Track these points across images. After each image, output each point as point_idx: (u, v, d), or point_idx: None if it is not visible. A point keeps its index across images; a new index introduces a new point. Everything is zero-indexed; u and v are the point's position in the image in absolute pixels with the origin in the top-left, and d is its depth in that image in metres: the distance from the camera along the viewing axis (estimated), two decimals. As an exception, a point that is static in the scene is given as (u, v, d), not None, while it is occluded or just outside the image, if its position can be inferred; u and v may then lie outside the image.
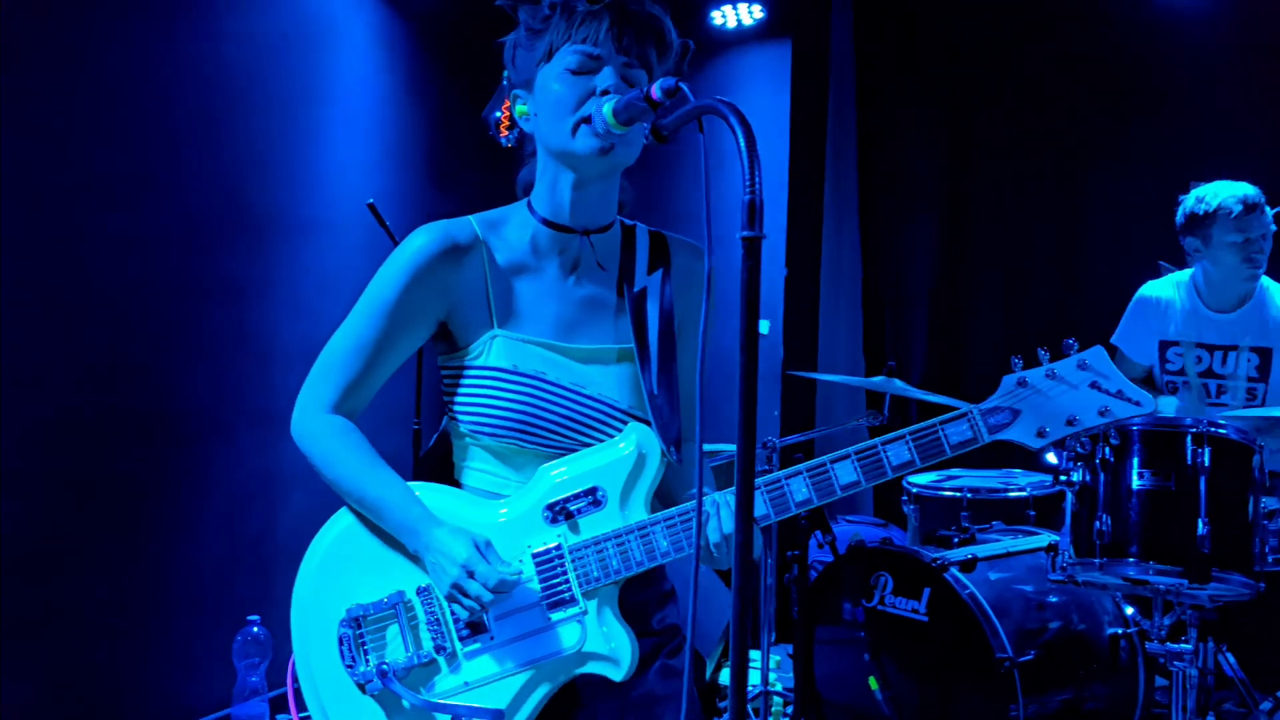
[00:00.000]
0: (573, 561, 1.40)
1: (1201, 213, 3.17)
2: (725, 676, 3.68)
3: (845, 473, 1.36)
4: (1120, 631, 2.73)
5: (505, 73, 1.59)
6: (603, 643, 1.39)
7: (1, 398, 2.36)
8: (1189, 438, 2.45)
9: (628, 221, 1.58)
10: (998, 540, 2.95)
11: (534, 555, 1.41)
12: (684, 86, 1.30)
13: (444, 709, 1.41)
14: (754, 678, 3.41)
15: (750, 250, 1.08)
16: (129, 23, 2.70)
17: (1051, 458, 2.88)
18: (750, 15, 4.29)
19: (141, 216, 2.71)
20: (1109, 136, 4.25)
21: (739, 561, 1.06)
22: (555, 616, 1.39)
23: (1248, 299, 3.22)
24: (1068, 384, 1.37)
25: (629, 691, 1.49)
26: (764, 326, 4.32)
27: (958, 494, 3.33)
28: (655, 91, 1.25)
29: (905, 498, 3.54)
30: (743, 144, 1.11)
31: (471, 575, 1.36)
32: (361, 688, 1.43)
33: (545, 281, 1.50)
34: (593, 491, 1.41)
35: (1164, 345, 3.33)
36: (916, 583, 2.70)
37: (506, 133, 4.69)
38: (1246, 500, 2.47)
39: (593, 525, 1.40)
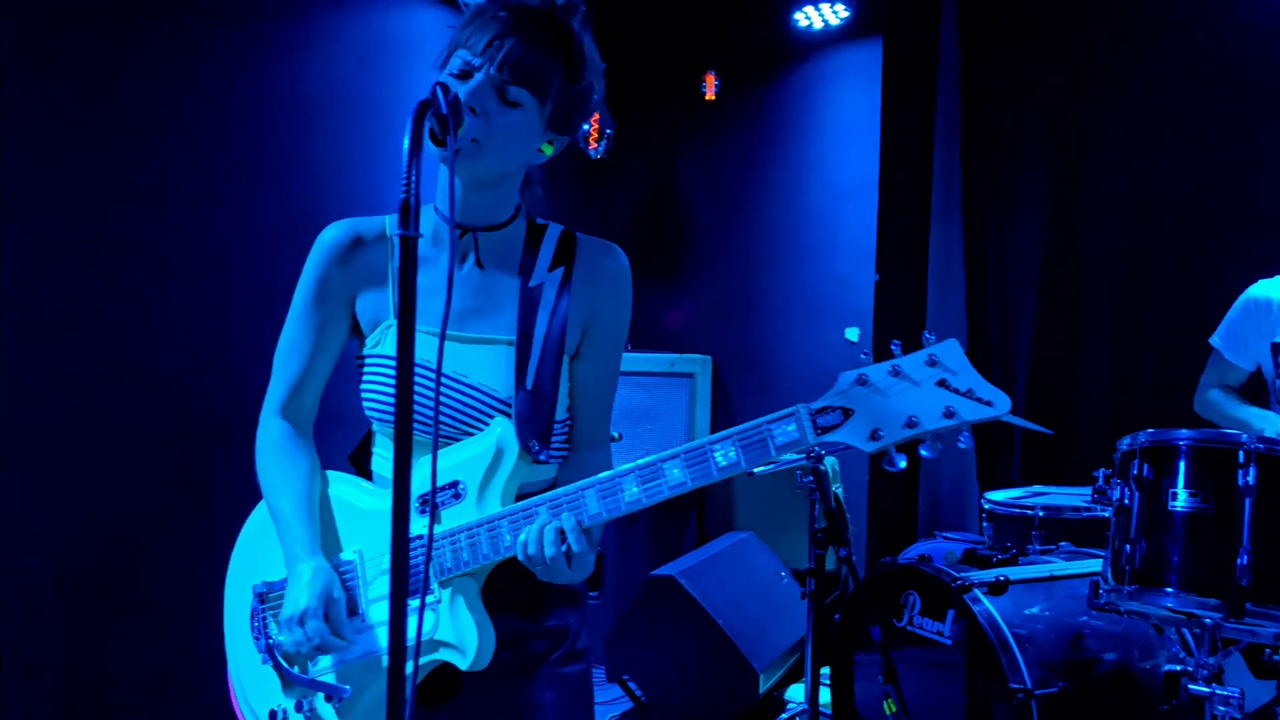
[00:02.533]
0: (433, 552, 1.42)
1: None
2: (792, 692, 3.59)
3: (674, 473, 1.31)
4: (1180, 669, 2.46)
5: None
6: (451, 631, 1.40)
7: (89, 401, 2.61)
8: (1237, 455, 2.20)
9: (540, 221, 1.59)
10: (1049, 563, 2.74)
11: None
12: (460, 94, 1.29)
13: (305, 683, 1.47)
14: (797, 694, 3.31)
15: (405, 248, 1.05)
16: (212, 41, 2.90)
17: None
18: (835, 15, 4.16)
19: (214, 230, 2.93)
20: (1235, 140, 3.85)
21: (393, 598, 1.05)
22: (414, 604, 1.40)
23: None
24: (911, 381, 1.24)
25: (509, 694, 1.49)
26: (853, 334, 4.17)
27: (1030, 512, 3.11)
28: (441, 99, 1.26)
29: (983, 514, 3.34)
30: (405, 144, 1.10)
31: (302, 624, 1.42)
32: (256, 645, 1.53)
33: (443, 273, 1.52)
34: (454, 485, 1.43)
35: (1276, 348, 2.99)
36: (942, 604, 2.55)
37: (596, 145, 4.77)
38: (1307, 528, 2.19)
39: (453, 517, 1.42)
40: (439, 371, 1.26)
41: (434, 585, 1.41)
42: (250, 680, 1.54)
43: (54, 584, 2.54)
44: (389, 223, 1.58)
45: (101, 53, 2.63)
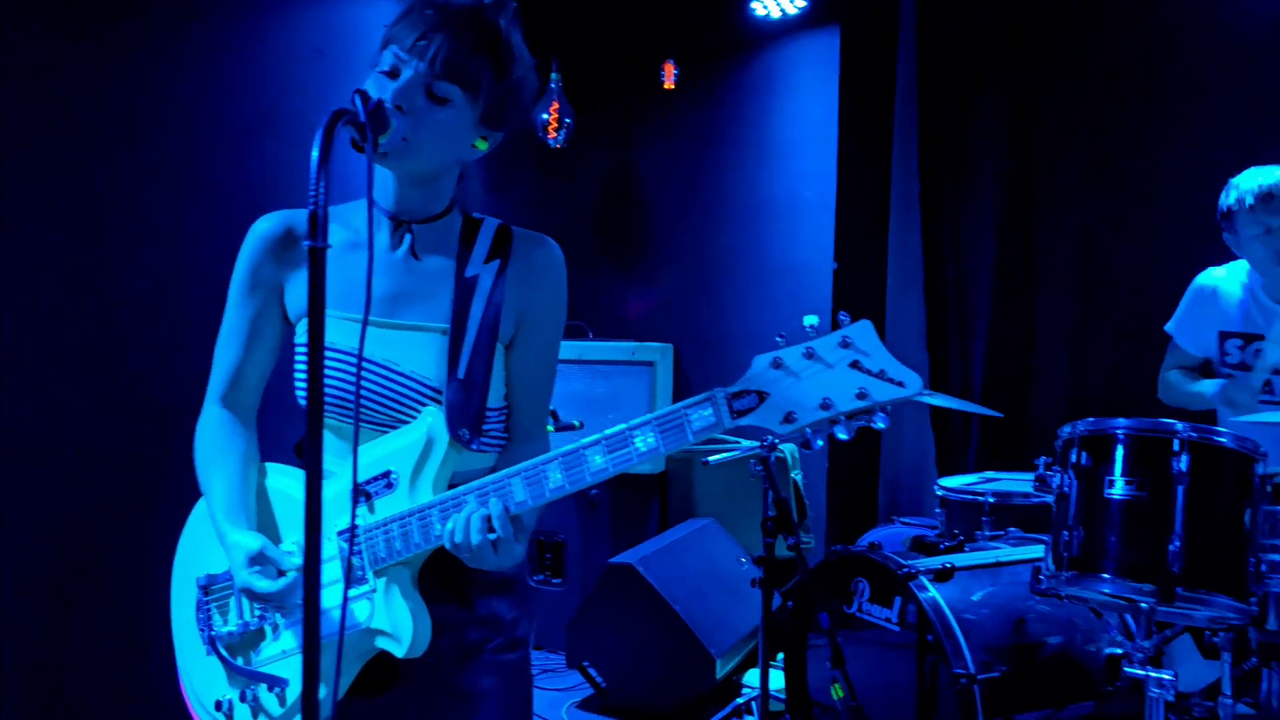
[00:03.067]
0: (366, 542, 1.43)
1: (1225, 207, 2.95)
2: (749, 677, 3.64)
3: (596, 460, 1.33)
4: (1121, 652, 2.52)
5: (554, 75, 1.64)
6: (387, 620, 1.42)
7: (40, 396, 2.59)
8: (1171, 444, 2.25)
9: (476, 215, 1.61)
10: (996, 549, 2.79)
11: (339, 534, 1.47)
12: (388, 92, 1.31)
13: (245, 673, 1.50)
14: (754, 679, 3.36)
15: (315, 260, 1.07)
16: (166, 35, 2.87)
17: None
18: (793, 4, 4.17)
19: (171, 225, 2.91)
20: (1187, 132, 3.91)
21: (308, 581, 1.07)
22: (351, 593, 1.44)
23: (1314, 290, 2.93)
24: (824, 363, 1.26)
25: (448, 682, 1.52)
26: (812, 321, 4.20)
27: (981, 498, 3.17)
28: (359, 107, 1.28)
29: (938, 500, 3.40)
30: (314, 155, 1.12)
31: (250, 592, 1.46)
32: (201, 638, 1.56)
33: (375, 262, 1.51)
34: (386, 475, 1.45)
35: (1223, 336, 3.07)
36: (889, 591, 2.59)
37: (555, 134, 4.79)
38: (1239, 515, 2.25)
39: (386, 507, 1.44)
40: (360, 356, 1.29)
41: (369, 575, 1.43)
42: (197, 672, 1.56)
43: (4, 580, 2.53)
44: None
45: (55, 49, 2.61)
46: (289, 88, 3.29)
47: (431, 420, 1.45)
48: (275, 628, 1.51)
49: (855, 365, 1.25)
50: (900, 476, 4.65)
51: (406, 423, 1.48)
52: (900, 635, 2.54)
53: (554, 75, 4.31)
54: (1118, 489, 2.28)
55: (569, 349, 4.26)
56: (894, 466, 4.64)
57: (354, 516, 1.32)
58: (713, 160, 4.53)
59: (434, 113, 1.44)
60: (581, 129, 4.43)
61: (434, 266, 1.54)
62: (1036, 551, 2.70)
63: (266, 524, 1.54)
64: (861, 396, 1.25)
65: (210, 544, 1.56)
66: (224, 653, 1.51)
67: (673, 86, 4.46)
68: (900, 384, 1.25)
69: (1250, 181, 2.88)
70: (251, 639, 1.53)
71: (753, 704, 3.21)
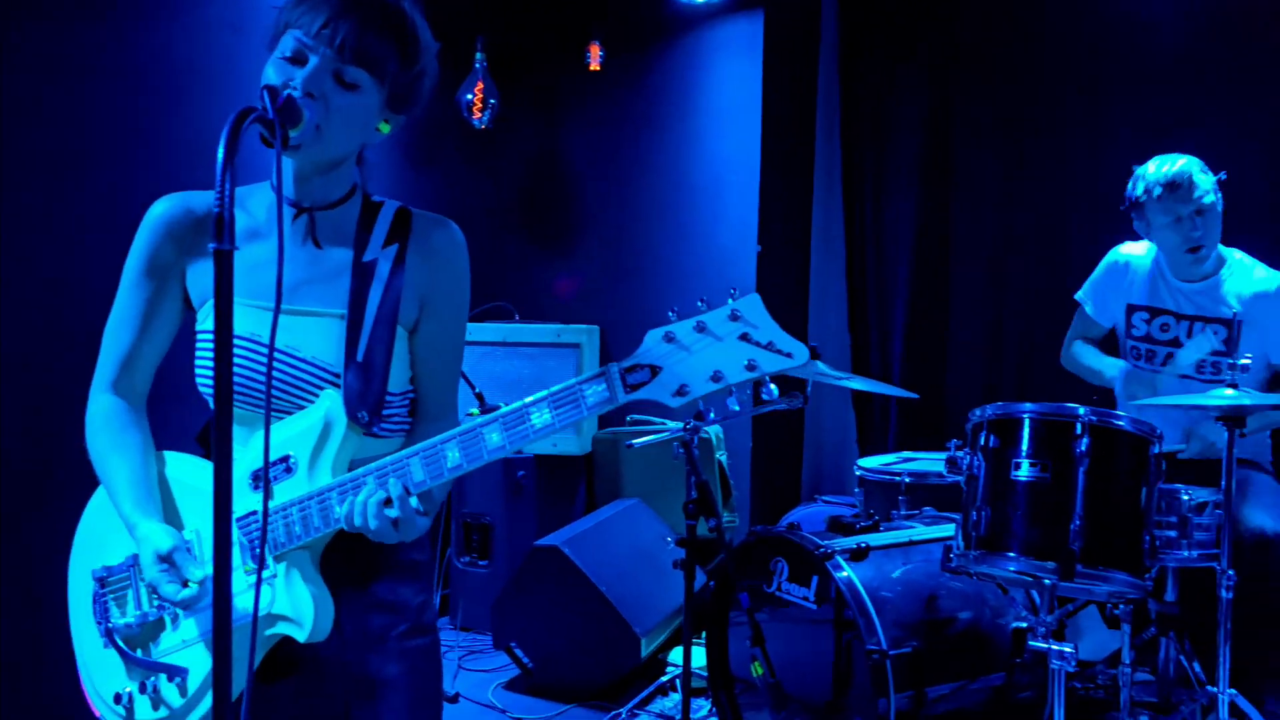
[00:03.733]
0: (266, 526, 1.43)
1: (1133, 198, 3.06)
2: (674, 655, 3.70)
3: (493, 438, 1.35)
4: (1026, 625, 2.62)
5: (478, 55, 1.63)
6: (288, 605, 1.41)
7: None
8: (1074, 427, 2.35)
9: (376, 198, 1.62)
10: (909, 528, 2.87)
11: (237, 520, 1.46)
12: (295, 96, 1.30)
13: (143, 664, 1.49)
14: (678, 656, 3.42)
15: (220, 262, 1.07)
16: (73, 5, 2.79)
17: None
18: (718, -12, 4.21)
19: (77, 206, 2.82)
20: (1095, 117, 4.04)
21: (218, 575, 1.08)
22: (250, 580, 1.43)
23: (1214, 272, 3.06)
24: (714, 336, 1.28)
25: (353, 669, 1.52)
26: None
27: (897, 478, 3.25)
28: (268, 104, 1.27)
29: (856, 480, 3.48)
30: (220, 156, 1.11)
31: (155, 592, 1.44)
32: (99, 630, 1.54)
33: (275, 248, 1.49)
34: (285, 459, 1.45)
35: (1131, 309, 3.19)
36: (807, 570, 2.66)
37: (480, 115, 4.74)
38: (1136, 494, 2.36)
39: (285, 491, 1.44)
40: (271, 348, 1.29)
41: (269, 560, 1.43)
42: (95, 665, 1.55)
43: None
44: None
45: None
46: (200, 63, 3.21)
47: (329, 403, 1.45)
48: (175, 618, 1.50)
49: (745, 338, 1.28)
50: (822, 456, 4.74)
51: (303, 407, 1.48)
52: (817, 613, 2.61)
53: (479, 55, 4.27)
54: (1023, 471, 2.37)
55: (495, 331, 4.25)
56: (816, 447, 4.73)
57: (266, 499, 1.31)
58: (638, 142, 4.54)
59: (344, 97, 1.44)
60: (506, 109, 4.41)
61: (334, 252, 1.54)
62: (948, 530, 2.80)
63: (168, 511, 1.53)
64: (751, 368, 1.27)
65: (107, 535, 1.55)
66: (122, 644, 1.50)
67: (598, 68, 4.45)
68: (788, 355, 1.27)
69: (1156, 172, 2.99)
70: (151, 630, 1.52)
71: (676, 681, 3.27)
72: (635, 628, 3.38)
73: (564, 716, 3.31)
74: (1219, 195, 2.96)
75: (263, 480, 1.35)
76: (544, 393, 1.34)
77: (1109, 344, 3.32)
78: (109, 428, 1.55)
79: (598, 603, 3.40)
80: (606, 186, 4.60)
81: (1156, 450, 2.39)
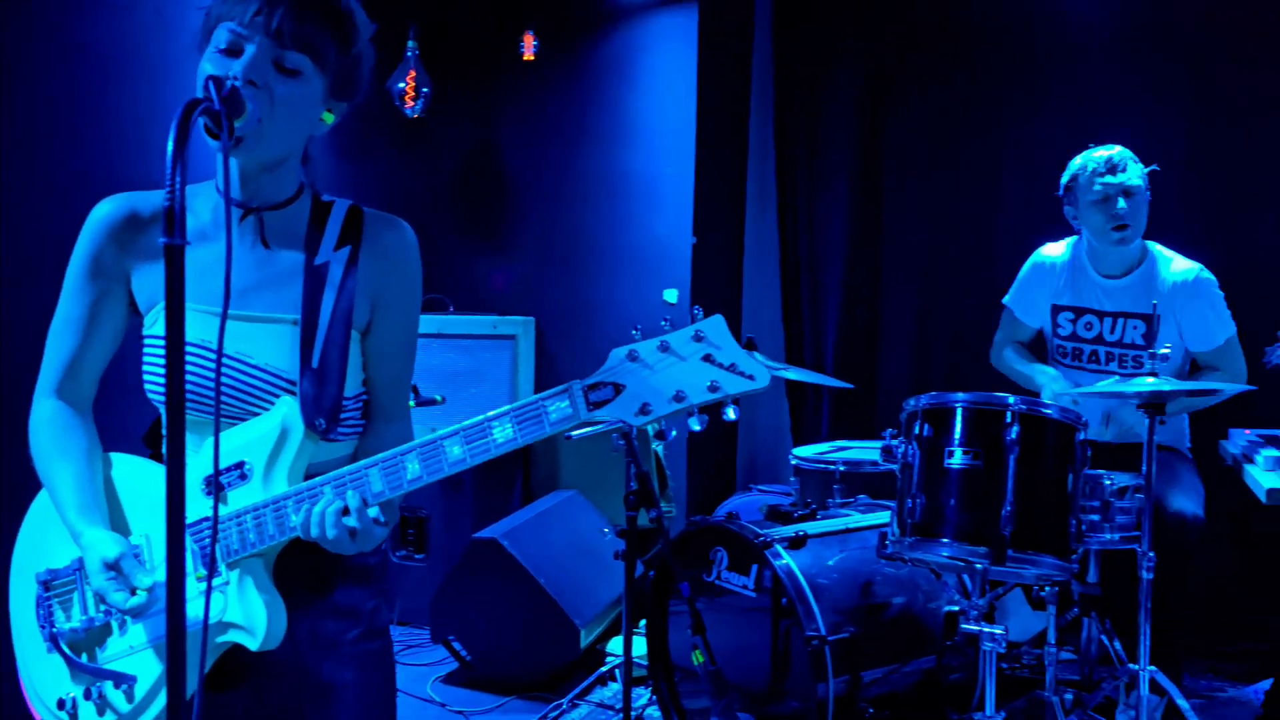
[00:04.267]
0: (219, 533, 1.41)
1: (1068, 178, 3.16)
2: (613, 645, 3.72)
3: (454, 451, 1.34)
4: (959, 609, 2.69)
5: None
6: (240, 612, 1.40)
7: None
8: (1004, 415, 2.41)
9: (325, 197, 1.58)
10: (845, 516, 2.93)
11: (189, 527, 1.43)
12: (238, 86, 1.27)
13: (89, 671, 1.46)
14: (617, 646, 3.45)
15: (172, 258, 1.05)
16: None
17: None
18: (654, -20, 4.22)
19: (12, 206, 2.73)
20: (1027, 114, 4.16)
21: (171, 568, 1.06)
22: (201, 587, 1.40)
23: (1136, 266, 3.17)
24: (678, 356, 1.29)
25: (307, 675, 1.51)
26: (671, 295, 4.29)
27: (832, 467, 3.31)
28: (213, 94, 1.24)
29: (792, 469, 3.53)
30: (170, 149, 1.09)
31: (116, 569, 1.40)
32: (42, 637, 1.50)
33: (224, 251, 1.45)
34: (240, 465, 1.43)
35: (1056, 309, 3.28)
36: (746, 559, 2.69)
37: (412, 104, 4.67)
38: (1063, 480, 2.43)
39: (239, 498, 1.42)
40: (219, 353, 1.26)
41: (221, 567, 1.41)
42: (38, 670, 1.51)
43: None
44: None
45: None
46: (124, 48, 3.12)
47: (286, 410, 1.43)
48: (123, 623, 1.47)
49: (708, 359, 1.29)
50: (757, 446, 4.80)
51: (256, 415, 1.45)
52: (757, 601, 2.65)
53: (411, 43, 4.22)
54: (956, 459, 2.43)
55: (430, 323, 4.21)
56: (751, 436, 4.79)
57: (216, 505, 1.29)
58: (574, 134, 4.53)
59: (286, 85, 1.40)
60: (439, 98, 4.36)
61: (284, 255, 1.51)
62: (883, 518, 2.86)
63: (115, 515, 1.50)
64: (713, 389, 1.29)
65: (51, 538, 1.51)
66: (67, 650, 1.47)
67: (533, 58, 4.43)
68: (750, 377, 1.30)
69: (1093, 153, 3.11)
70: (97, 635, 1.48)
71: (616, 671, 3.28)
72: (574, 619, 3.39)
73: (503, 709, 3.31)
74: (1147, 186, 3.07)
75: (214, 486, 1.32)
76: (507, 407, 1.33)
77: (1038, 346, 3.42)
78: (53, 433, 1.51)
79: (537, 595, 3.40)
80: (541, 177, 4.59)
81: (1081, 437, 2.47)
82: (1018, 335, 3.41)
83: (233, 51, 1.39)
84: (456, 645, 3.48)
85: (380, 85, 4.20)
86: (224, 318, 1.25)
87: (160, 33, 3.20)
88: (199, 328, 1.43)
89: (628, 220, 4.44)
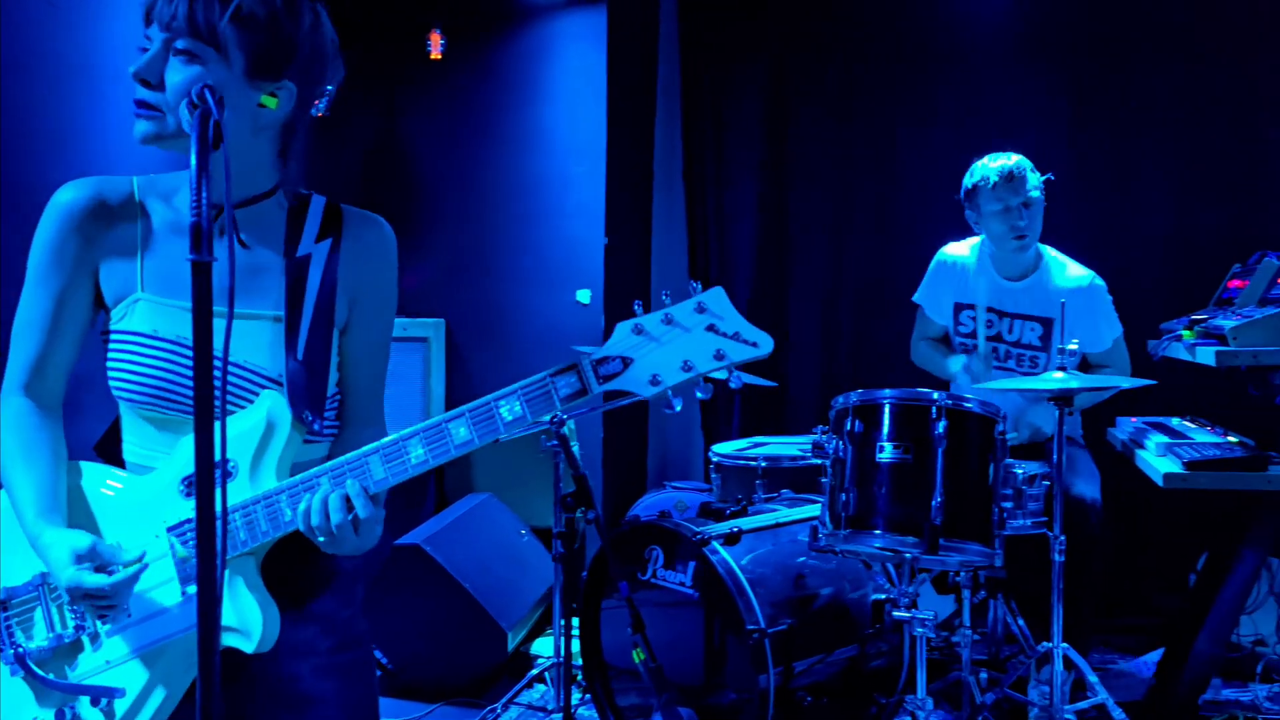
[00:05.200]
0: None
1: (970, 186, 3.30)
2: (538, 646, 3.72)
3: (460, 432, 1.34)
4: (885, 597, 2.80)
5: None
6: (234, 615, 1.36)
7: None
8: (930, 410, 2.52)
9: (303, 192, 1.55)
10: (774, 511, 3.00)
11: (169, 530, 1.40)
12: (208, 95, 1.20)
13: (70, 689, 1.40)
14: (549, 648, 3.45)
15: (198, 273, 1.03)
16: None
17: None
18: (563, -20, 4.23)
19: None
20: (920, 106, 4.33)
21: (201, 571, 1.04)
22: (190, 590, 1.37)
23: (1032, 270, 3.33)
24: (682, 328, 1.33)
25: (285, 684, 1.48)
26: (584, 296, 4.31)
27: (753, 463, 3.38)
28: (211, 105, 1.20)
29: (712, 466, 3.59)
30: (193, 163, 1.07)
31: (79, 590, 1.35)
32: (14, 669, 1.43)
33: (172, 243, 1.46)
34: (224, 463, 1.39)
35: (958, 307, 3.43)
36: (684, 557, 2.74)
37: (317, 101, 4.51)
38: (986, 471, 2.56)
39: (226, 496, 1.36)
40: (225, 358, 1.23)
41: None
42: (2, 697, 1.43)
43: None
44: (137, 185, 1.49)
45: None
46: (14, 40, 2.96)
47: (270, 404, 1.40)
48: (95, 638, 1.42)
49: (711, 329, 1.33)
50: (668, 443, 4.86)
51: (233, 413, 1.42)
52: (694, 597, 2.69)
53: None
54: (887, 453, 2.53)
55: (338, 326, 4.11)
56: (662, 435, 4.85)
57: (224, 500, 1.22)
58: (483, 133, 4.50)
59: (184, 73, 1.35)
60: (345, 97, 4.25)
61: (261, 250, 1.48)
62: (810, 511, 2.95)
63: (83, 525, 1.44)
64: (719, 357, 1.32)
65: (9, 553, 1.44)
66: (35, 669, 1.40)
67: (440, 57, 4.38)
68: (754, 344, 1.33)
69: (993, 164, 3.26)
70: (66, 652, 1.42)
71: (545, 674, 3.28)
72: (501, 622, 3.38)
73: (431, 715, 3.27)
74: (1043, 193, 3.24)
75: (191, 487, 1.29)
76: (514, 386, 1.33)
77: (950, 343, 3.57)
78: (17, 433, 1.44)
79: (462, 599, 3.37)
80: (450, 178, 4.53)
81: (1001, 429, 2.60)
82: (929, 332, 3.56)
83: (144, 50, 1.37)
84: (377, 653, 3.43)
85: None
86: (230, 319, 1.22)
87: (54, 23, 3.05)
88: (176, 324, 1.41)
89: (539, 220, 4.43)
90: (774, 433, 4.10)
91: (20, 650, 1.41)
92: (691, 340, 1.33)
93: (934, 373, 3.48)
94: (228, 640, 1.37)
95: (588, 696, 3.06)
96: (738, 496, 3.16)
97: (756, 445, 3.71)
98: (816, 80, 4.46)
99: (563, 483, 3.07)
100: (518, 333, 4.42)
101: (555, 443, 3.02)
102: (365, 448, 1.36)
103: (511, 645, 3.46)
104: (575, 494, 2.72)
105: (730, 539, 2.70)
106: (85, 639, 1.42)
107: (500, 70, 4.44)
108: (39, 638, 1.42)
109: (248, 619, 1.37)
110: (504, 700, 3.18)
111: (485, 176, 4.51)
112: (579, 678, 3.15)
